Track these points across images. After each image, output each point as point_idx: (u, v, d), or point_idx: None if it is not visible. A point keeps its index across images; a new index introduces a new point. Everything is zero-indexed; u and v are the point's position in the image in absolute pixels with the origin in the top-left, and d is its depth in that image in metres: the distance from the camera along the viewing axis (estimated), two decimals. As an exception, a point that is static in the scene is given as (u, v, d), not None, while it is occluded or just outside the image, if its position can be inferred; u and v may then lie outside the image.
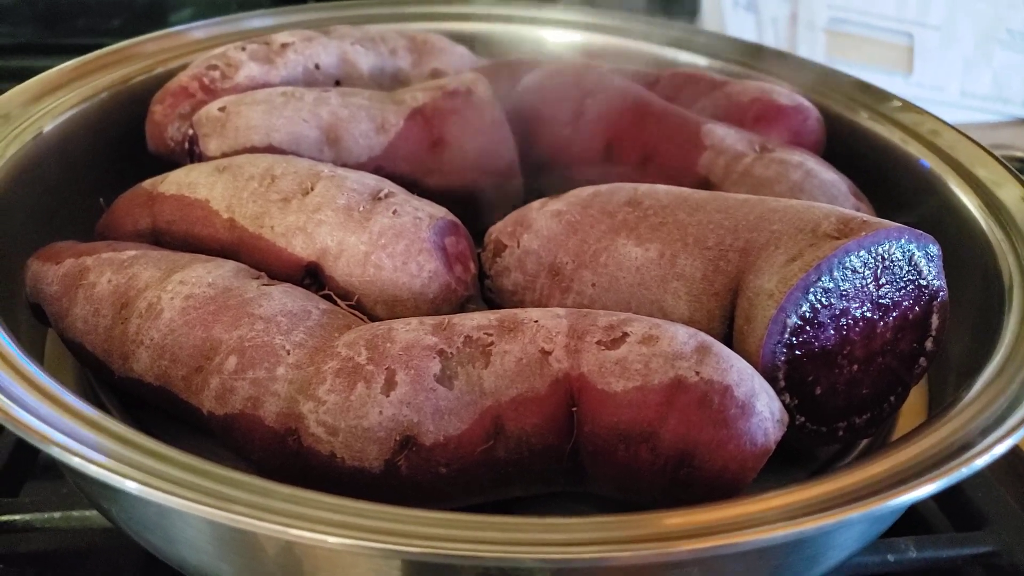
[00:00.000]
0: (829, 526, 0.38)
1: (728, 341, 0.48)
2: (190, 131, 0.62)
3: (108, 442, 0.40)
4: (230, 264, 0.50)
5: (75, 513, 0.53)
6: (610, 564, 0.38)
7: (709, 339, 0.43)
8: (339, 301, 0.51)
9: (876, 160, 0.70)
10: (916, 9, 1.14)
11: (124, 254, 0.52)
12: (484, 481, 0.44)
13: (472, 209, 0.62)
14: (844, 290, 0.46)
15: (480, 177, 0.64)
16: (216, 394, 0.45)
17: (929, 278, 0.49)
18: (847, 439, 0.50)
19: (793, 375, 0.47)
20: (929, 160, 0.66)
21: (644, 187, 0.54)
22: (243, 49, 0.68)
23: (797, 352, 0.46)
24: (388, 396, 0.42)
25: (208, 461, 0.39)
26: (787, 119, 0.69)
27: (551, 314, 0.45)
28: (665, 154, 0.65)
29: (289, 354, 0.45)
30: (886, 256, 0.47)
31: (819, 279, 0.45)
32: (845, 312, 0.47)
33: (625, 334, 0.43)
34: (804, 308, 0.46)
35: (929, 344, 0.50)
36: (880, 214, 0.58)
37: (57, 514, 0.53)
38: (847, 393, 0.49)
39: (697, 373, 0.41)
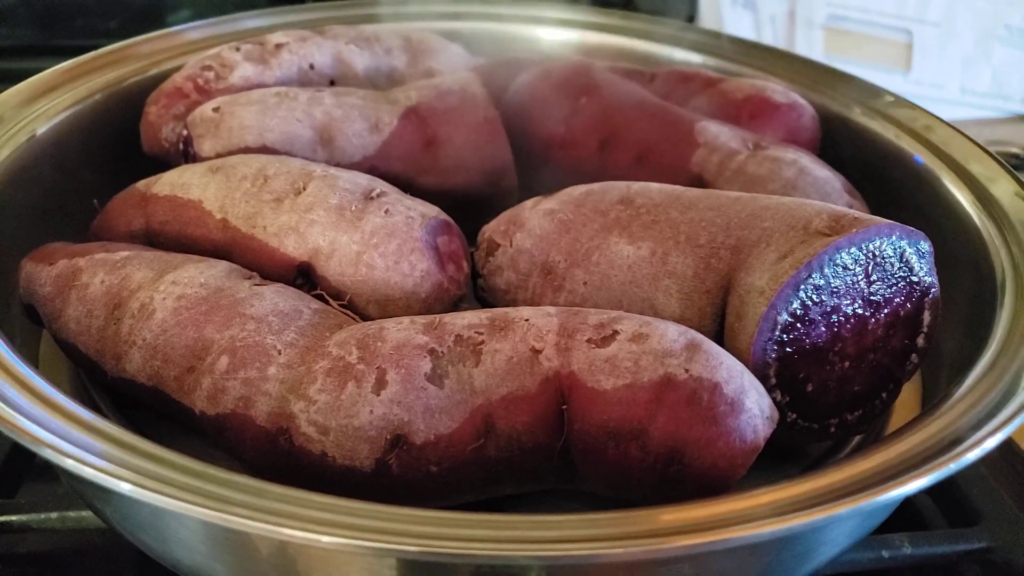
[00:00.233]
0: (820, 521, 0.38)
1: (719, 339, 0.48)
2: (184, 132, 0.62)
3: (101, 443, 0.40)
4: (222, 264, 0.51)
5: (71, 514, 0.53)
6: (602, 561, 0.38)
7: (699, 336, 0.43)
8: (331, 301, 0.51)
9: (869, 156, 0.70)
10: (915, 6, 1.13)
11: (117, 255, 0.52)
12: (475, 479, 0.44)
13: (466, 208, 0.62)
14: (835, 287, 0.46)
15: (474, 176, 0.65)
16: (208, 394, 0.45)
17: (920, 274, 0.49)
18: (839, 436, 0.50)
19: (784, 372, 0.47)
20: (923, 156, 0.66)
21: (637, 185, 0.54)
22: (237, 50, 0.68)
23: (788, 349, 0.46)
24: (379, 395, 0.42)
25: (201, 461, 0.39)
26: (782, 117, 0.69)
27: (542, 313, 0.45)
28: (659, 152, 0.65)
29: (280, 354, 0.45)
30: (877, 253, 0.47)
31: (810, 276, 0.46)
32: (836, 309, 0.47)
33: (615, 332, 0.43)
34: (795, 305, 0.46)
35: (921, 340, 0.50)
36: (874, 211, 0.58)
37: (54, 515, 0.53)
38: (839, 390, 0.49)
39: (686, 370, 0.41)
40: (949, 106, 1.13)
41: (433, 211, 0.54)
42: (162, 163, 0.65)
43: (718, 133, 0.64)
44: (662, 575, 0.40)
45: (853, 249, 0.46)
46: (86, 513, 0.53)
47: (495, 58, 0.78)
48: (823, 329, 0.47)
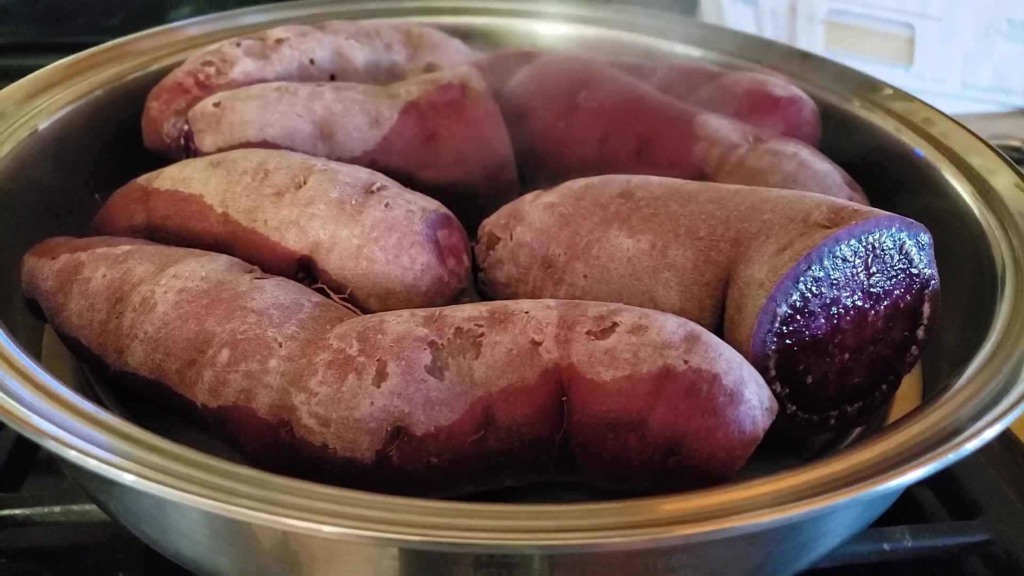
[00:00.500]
0: (819, 511, 0.38)
1: (719, 331, 0.48)
2: (185, 127, 0.62)
3: (104, 435, 0.40)
4: (223, 258, 0.51)
5: (75, 507, 0.54)
6: (602, 550, 0.38)
7: (698, 328, 0.43)
8: (332, 294, 0.51)
9: (869, 150, 0.70)
10: (916, 0, 1.13)
11: (118, 249, 0.52)
12: (475, 471, 0.44)
13: (466, 202, 0.62)
14: (835, 279, 0.47)
15: (474, 170, 0.65)
16: (209, 387, 0.45)
17: (920, 266, 0.49)
18: (839, 428, 0.50)
19: (784, 364, 0.47)
20: (923, 149, 0.66)
21: (637, 179, 0.54)
22: (238, 45, 0.69)
23: (788, 341, 0.46)
24: (379, 387, 0.43)
25: (203, 453, 0.39)
26: (782, 110, 0.69)
27: (542, 305, 0.45)
28: (659, 146, 0.65)
29: (281, 346, 0.45)
30: (877, 245, 0.47)
31: (809, 268, 0.46)
32: (836, 301, 0.47)
33: (615, 324, 0.43)
34: (794, 297, 0.46)
35: (921, 333, 0.50)
36: (874, 203, 0.58)
37: (57, 508, 0.54)
38: (838, 382, 0.49)
39: (685, 362, 0.42)
40: (950, 100, 1.13)
41: (433, 205, 0.54)
42: (163, 158, 0.65)
43: (718, 127, 0.64)
44: (661, 566, 0.40)
45: (853, 241, 0.46)
46: (89, 507, 0.53)
47: (495, 53, 0.78)
48: (823, 321, 0.47)
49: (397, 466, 0.43)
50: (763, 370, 0.45)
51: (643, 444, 0.42)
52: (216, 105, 0.62)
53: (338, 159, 0.61)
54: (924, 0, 1.13)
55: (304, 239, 0.52)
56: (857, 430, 0.55)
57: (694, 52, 0.82)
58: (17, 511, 0.54)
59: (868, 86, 0.74)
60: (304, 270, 0.53)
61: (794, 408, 0.48)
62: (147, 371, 0.48)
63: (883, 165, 0.68)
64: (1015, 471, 0.60)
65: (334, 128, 0.62)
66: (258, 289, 0.48)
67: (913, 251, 0.48)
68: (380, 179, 0.55)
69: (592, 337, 0.43)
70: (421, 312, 0.46)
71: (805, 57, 0.79)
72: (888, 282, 0.48)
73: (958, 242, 0.59)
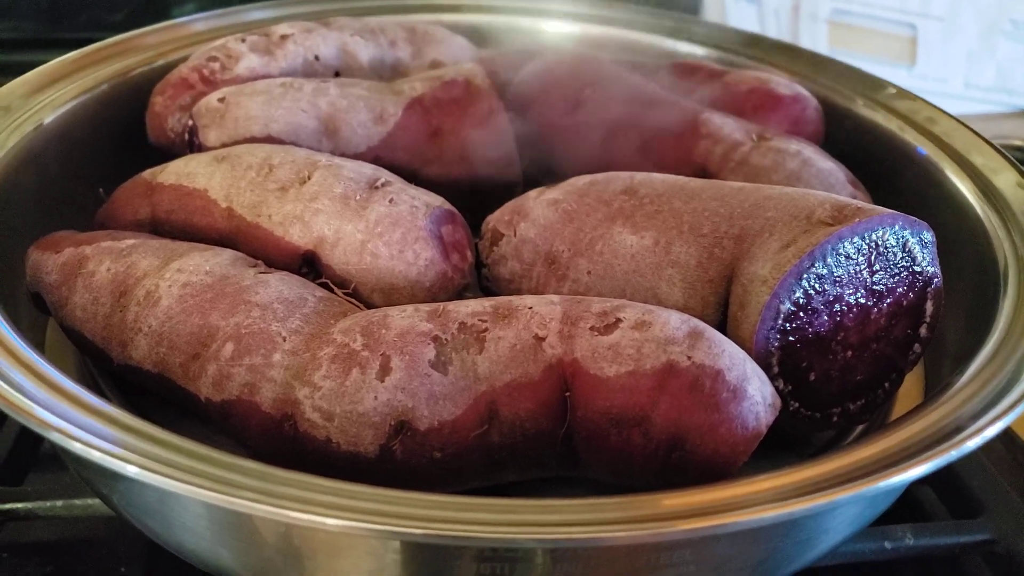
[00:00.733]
0: (821, 506, 0.38)
1: (722, 328, 0.48)
2: (190, 122, 0.63)
3: (107, 428, 0.40)
4: (227, 252, 0.51)
5: (78, 502, 0.54)
6: (605, 544, 0.38)
7: (701, 324, 0.44)
8: (336, 289, 0.51)
9: (872, 148, 0.70)
10: (919, 0, 1.13)
11: (123, 243, 0.52)
12: (478, 466, 0.44)
13: (470, 198, 0.62)
14: (838, 276, 0.47)
15: (478, 167, 0.65)
16: (213, 381, 0.46)
17: (923, 264, 0.49)
18: (841, 425, 0.50)
19: (787, 361, 0.47)
20: (925, 147, 0.66)
21: (640, 176, 0.55)
22: (243, 41, 0.69)
23: (791, 338, 0.46)
24: (383, 382, 0.43)
25: (206, 446, 0.39)
26: (785, 108, 0.69)
27: (545, 300, 0.45)
28: (662, 143, 0.65)
29: (285, 341, 0.45)
30: (880, 242, 0.47)
31: (812, 265, 0.46)
32: (839, 298, 0.47)
33: (618, 320, 0.43)
34: (798, 294, 0.46)
35: (923, 330, 0.50)
36: (877, 202, 0.58)
37: (60, 503, 0.54)
38: (841, 379, 0.49)
39: (689, 358, 0.42)
40: (953, 100, 1.13)
41: (437, 200, 0.54)
42: (168, 153, 0.65)
43: (722, 125, 0.64)
44: (663, 561, 0.41)
45: (856, 239, 0.46)
46: (92, 501, 0.53)
47: (499, 50, 0.78)
48: (826, 318, 0.47)
49: (400, 460, 0.43)
50: (766, 367, 0.45)
51: (646, 440, 0.42)
52: (221, 100, 0.62)
53: (342, 155, 0.61)
54: (927, 0, 1.13)
55: (308, 234, 0.52)
56: (859, 427, 0.55)
57: (698, 51, 0.82)
58: (19, 505, 0.54)
59: (871, 85, 0.74)
60: (308, 265, 0.53)
61: (797, 405, 0.48)
62: (151, 365, 0.48)
63: (886, 163, 0.69)
64: (1016, 470, 0.60)
65: (338, 124, 0.62)
66: (262, 283, 0.48)
67: (916, 249, 0.48)
68: (384, 175, 0.55)
69: (596, 333, 0.43)
70: (425, 307, 0.46)
71: (808, 56, 0.79)
72: (891, 280, 0.48)
73: (961, 240, 0.59)
